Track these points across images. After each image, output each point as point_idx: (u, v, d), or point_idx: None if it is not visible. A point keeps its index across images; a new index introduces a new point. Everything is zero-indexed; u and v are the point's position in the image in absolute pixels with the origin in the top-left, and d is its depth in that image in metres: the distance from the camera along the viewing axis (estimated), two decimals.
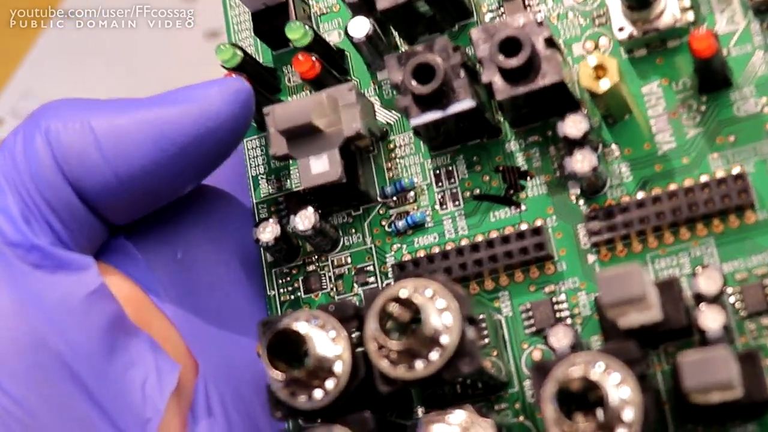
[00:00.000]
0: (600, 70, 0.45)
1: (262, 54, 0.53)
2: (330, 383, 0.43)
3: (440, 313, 0.42)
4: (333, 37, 0.52)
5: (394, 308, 0.42)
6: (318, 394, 0.43)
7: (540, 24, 0.46)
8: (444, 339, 0.42)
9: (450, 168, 0.49)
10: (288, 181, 0.51)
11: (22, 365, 0.43)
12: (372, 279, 0.49)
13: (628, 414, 0.40)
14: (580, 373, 0.40)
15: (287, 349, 0.43)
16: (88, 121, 0.46)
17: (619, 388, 0.40)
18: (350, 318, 0.44)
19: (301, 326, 0.43)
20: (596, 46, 0.48)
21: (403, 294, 0.42)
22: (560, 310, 0.47)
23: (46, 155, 0.46)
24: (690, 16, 0.47)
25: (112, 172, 0.45)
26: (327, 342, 0.43)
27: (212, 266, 0.50)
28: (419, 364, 0.42)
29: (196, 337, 0.48)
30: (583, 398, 0.41)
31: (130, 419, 0.45)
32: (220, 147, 0.47)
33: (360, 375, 0.43)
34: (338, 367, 0.43)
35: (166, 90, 0.48)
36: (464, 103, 0.46)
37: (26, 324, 0.43)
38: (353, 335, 0.44)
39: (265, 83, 0.51)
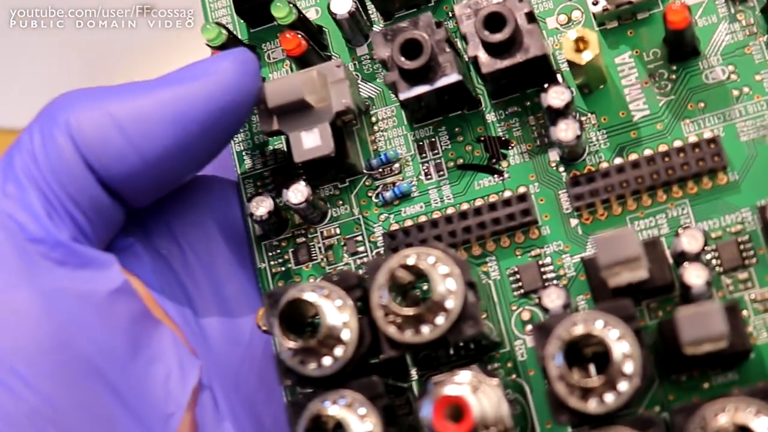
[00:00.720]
0: (581, 42, 0.47)
1: (240, 31, 0.54)
2: (339, 350, 0.45)
3: (444, 278, 0.44)
4: (311, 14, 0.53)
5: (403, 275, 0.44)
6: (327, 361, 0.45)
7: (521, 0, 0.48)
8: (449, 303, 0.44)
9: (433, 139, 0.51)
10: (273, 155, 0.53)
11: (49, 364, 0.43)
12: (362, 248, 0.51)
13: (629, 367, 0.42)
14: (584, 330, 0.42)
15: (296, 319, 0.45)
16: (106, 108, 0.46)
17: (619, 343, 0.43)
18: (354, 287, 0.45)
19: (311, 296, 0.45)
20: (569, 20, 0.51)
21: (411, 261, 0.44)
22: (546, 273, 0.49)
23: (70, 149, 0.46)
24: None
25: (137, 155, 0.46)
26: (334, 311, 0.45)
27: (204, 255, 0.51)
28: (425, 329, 0.44)
29: (195, 334, 0.49)
30: (581, 357, 0.44)
31: (153, 414, 0.46)
32: (237, 119, 0.48)
33: (366, 342, 0.45)
34: (346, 335, 0.45)
35: None
36: (451, 77, 0.48)
37: (52, 323, 0.44)
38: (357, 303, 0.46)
39: None
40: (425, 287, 0.46)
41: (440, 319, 0.44)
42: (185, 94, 0.47)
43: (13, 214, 0.45)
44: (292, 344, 0.44)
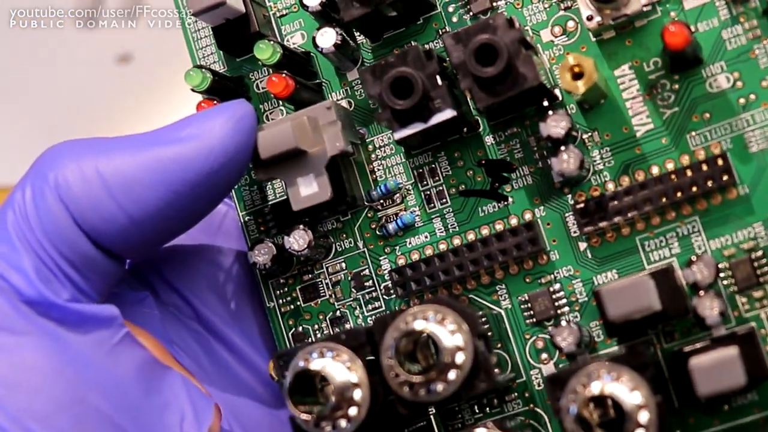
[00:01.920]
0: (576, 67, 0.45)
1: (225, 63, 0.52)
2: (353, 411, 0.44)
3: (452, 334, 0.44)
4: (296, 39, 0.51)
5: (408, 344, 0.44)
6: (343, 423, 0.44)
7: (512, 25, 0.46)
8: (458, 359, 0.43)
9: (433, 166, 0.50)
10: (272, 190, 0.51)
11: (66, 422, 0.43)
12: (369, 283, 0.50)
13: (644, 416, 0.42)
14: (598, 390, 0.42)
15: (307, 384, 0.45)
16: (95, 168, 0.45)
17: (632, 393, 0.42)
18: (363, 345, 0.45)
19: (317, 363, 0.44)
20: (564, 31, 0.49)
21: (418, 326, 0.43)
22: (558, 299, 0.48)
23: (60, 211, 0.45)
24: None
25: (127, 217, 0.45)
26: (344, 371, 0.44)
27: (212, 304, 0.51)
28: (439, 387, 0.43)
29: (213, 381, 0.49)
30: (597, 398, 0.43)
31: None
32: (231, 179, 0.46)
33: (380, 399, 0.45)
34: (358, 395, 0.44)
35: None
36: (445, 113, 0.46)
37: (63, 380, 0.44)
38: (367, 360, 0.45)
39: (234, 95, 0.51)
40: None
41: (452, 375, 0.43)
42: (177, 155, 0.45)
43: (6, 275, 0.45)
44: (306, 417, 0.44)
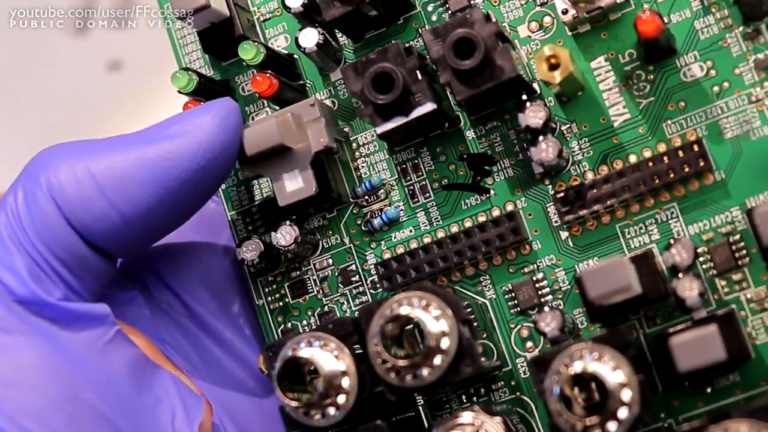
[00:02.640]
0: (552, 58, 0.47)
1: (211, 67, 0.53)
2: (341, 398, 0.45)
3: (437, 320, 0.44)
4: (280, 42, 0.53)
5: (393, 329, 0.44)
6: (331, 410, 0.45)
7: (488, 19, 0.47)
8: (444, 344, 0.44)
9: (416, 161, 0.51)
10: (259, 189, 0.52)
11: (59, 419, 0.44)
12: (356, 278, 0.51)
13: (627, 395, 0.43)
14: (580, 368, 0.43)
15: (295, 372, 0.46)
16: (87, 168, 0.46)
17: (615, 373, 0.43)
18: (350, 334, 0.46)
19: (306, 352, 0.45)
20: (540, 26, 0.50)
21: (402, 311, 0.44)
22: (541, 288, 0.49)
23: (52, 211, 0.46)
24: None
25: (119, 215, 0.46)
26: (332, 360, 0.45)
27: (203, 301, 0.51)
28: (425, 372, 0.44)
29: (204, 378, 0.50)
30: (580, 380, 0.44)
31: None
32: (219, 174, 0.47)
33: (367, 386, 0.45)
34: (346, 383, 0.45)
35: None
36: (426, 107, 0.47)
37: (57, 378, 0.44)
38: (355, 349, 0.46)
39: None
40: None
41: (438, 360, 0.44)
42: (166, 153, 0.46)
43: (1, 277, 0.46)
44: (294, 403, 0.45)
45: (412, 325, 0.46)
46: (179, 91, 0.50)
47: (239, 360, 0.51)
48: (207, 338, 0.51)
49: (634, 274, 0.44)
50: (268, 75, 0.49)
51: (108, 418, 0.45)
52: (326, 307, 0.51)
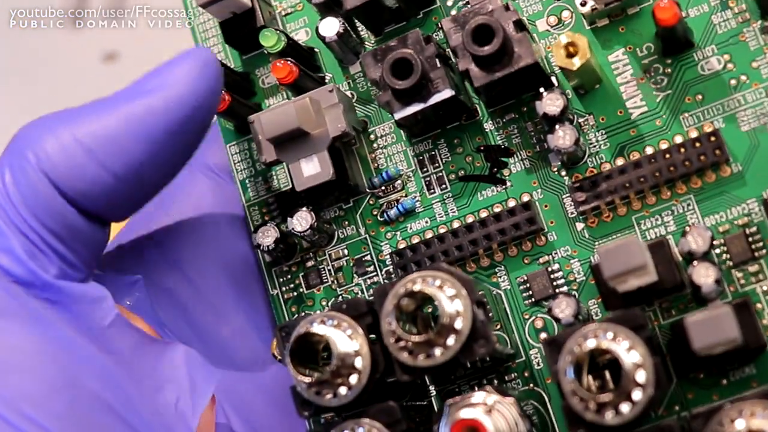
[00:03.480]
0: (571, 47, 0.47)
1: (232, 59, 0.54)
2: (353, 378, 0.45)
3: (451, 300, 0.44)
4: (301, 36, 0.53)
5: (409, 304, 0.44)
6: (343, 390, 0.45)
7: (507, 8, 0.47)
8: (458, 324, 0.44)
9: (432, 153, 0.51)
10: (275, 180, 0.53)
11: (58, 404, 0.43)
12: (371, 268, 0.51)
13: (641, 376, 0.42)
14: (594, 345, 0.42)
15: (308, 351, 0.45)
16: (72, 135, 0.45)
17: (630, 353, 0.43)
18: (364, 314, 0.45)
19: (319, 329, 0.45)
20: (559, 20, 0.50)
21: (416, 287, 0.44)
22: (556, 279, 0.49)
23: (43, 184, 0.45)
24: None
25: (111, 175, 0.45)
26: (345, 340, 0.45)
27: (212, 285, 0.51)
28: (437, 351, 0.44)
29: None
30: (596, 364, 0.44)
31: None
32: (204, 120, 0.47)
33: (380, 367, 0.45)
34: (359, 363, 0.45)
35: None
36: (444, 93, 0.48)
37: (56, 363, 0.44)
38: (369, 332, 0.46)
39: (241, 89, 0.52)
40: (435, 305, 0.46)
41: (451, 341, 0.44)
42: (149, 107, 0.46)
43: None
44: (306, 379, 0.44)
45: (425, 309, 0.46)
46: None
47: (246, 344, 0.51)
48: (212, 321, 0.51)
49: (650, 255, 0.44)
50: (288, 62, 0.49)
51: (107, 402, 0.45)
52: (341, 297, 0.51)
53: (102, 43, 0.87)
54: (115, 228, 0.50)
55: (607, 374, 0.44)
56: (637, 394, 0.42)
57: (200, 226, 0.52)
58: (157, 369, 0.47)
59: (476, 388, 0.45)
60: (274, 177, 0.53)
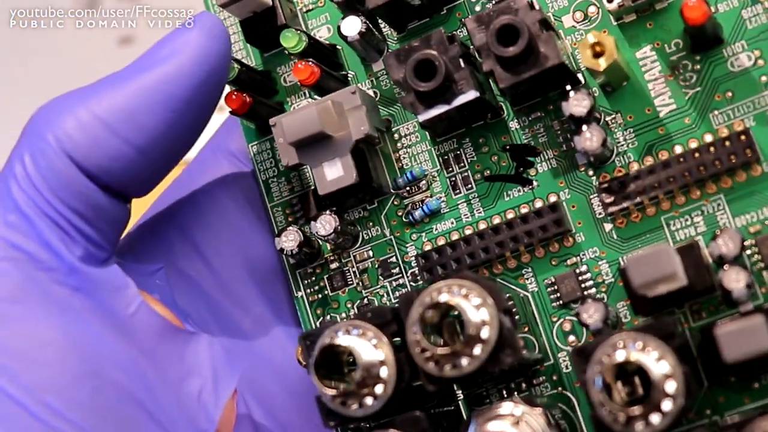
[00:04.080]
0: (597, 46, 0.46)
1: (253, 57, 0.53)
2: (379, 388, 0.44)
3: (477, 309, 0.44)
4: (323, 33, 0.52)
5: (434, 315, 0.44)
6: (369, 400, 0.44)
7: (532, 6, 0.46)
8: (484, 333, 0.43)
9: (458, 152, 0.50)
10: (299, 181, 0.52)
11: (82, 394, 0.44)
12: (396, 270, 0.50)
13: (671, 386, 0.42)
14: (623, 357, 0.42)
15: (333, 360, 0.45)
16: (90, 112, 0.46)
17: (659, 363, 0.42)
18: (388, 323, 0.45)
19: (344, 339, 0.44)
20: (585, 16, 0.49)
21: (441, 298, 0.43)
22: (584, 281, 0.48)
23: (65, 164, 0.45)
24: None
25: (133, 148, 0.46)
26: (370, 349, 0.44)
27: (234, 275, 0.51)
28: (464, 361, 0.43)
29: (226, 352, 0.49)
30: (625, 371, 0.43)
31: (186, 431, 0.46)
32: (218, 85, 0.47)
33: (406, 377, 0.45)
34: (384, 372, 0.44)
35: None
36: (468, 95, 0.47)
37: (79, 352, 0.44)
38: (394, 338, 0.45)
39: (262, 88, 0.52)
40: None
41: (478, 350, 0.43)
42: (164, 76, 0.46)
43: (20, 244, 0.45)
44: (331, 391, 0.44)
45: (451, 317, 0.45)
46: None
47: (268, 334, 0.51)
48: (235, 310, 0.50)
49: (679, 262, 0.43)
50: (309, 63, 0.49)
51: (130, 392, 0.45)
52: (366, 299, 0.51)
53: (116, 28, 0.86)
54: (136, 213, 0.50)
55: (637, 380, 0.43)
56: (667, 405, 0.42)
57: (223, 211, 0.51)
58: (181, 359, 0.47)
59: (504, 398, 0.45)
60: (297, 177, 0.52)
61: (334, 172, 0.48)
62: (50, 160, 0.45)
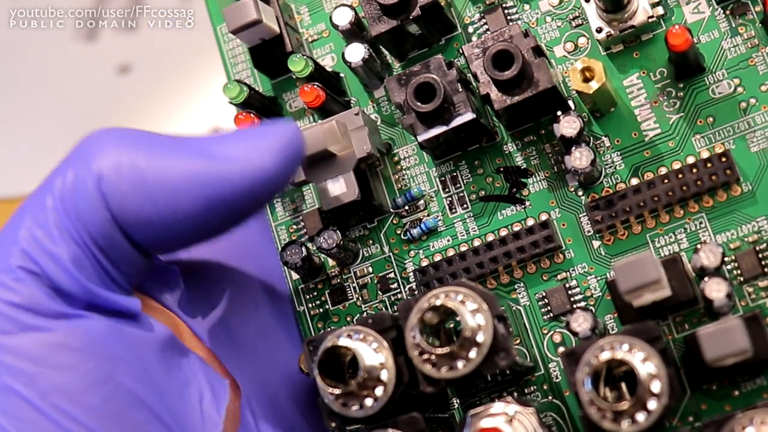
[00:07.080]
0: (587, 71, 0.49)
1: (261, 83, 0.56)
2: (379, 390, 0.47)
3: (473, 314, 0.46)
4: (327, 62, 0.55)
5: (432, 318, 0.46)
6: (369, 402, 0.47)
7: (526, 35, 0.49)
8: (480, 337, 0.46)
9: (454, 174, 0.53)
10: (302, 202, 0.55)
11: (96, 399, 0.45)
12: (395, 285, 0.53)
13: (656, 386, 0.44)
14: (610, 356, 0.44)
15: (335, 363, 0.47)
16: (139, 167, 0.46)
17: (645, 364, 0.44)
18: (388, 328, 0.47)
19: (346, 342, 0.47)
20: (576, 47, 0.52)
21: (439, 302, 0.46)
22: (573, 295, 0.51)
23: (99, 203, 0.45)
24: (660, 9, 0.51)
25: (162, 223, 0.46)
26: (371, 353, 0.47)
27: (240, 292, 0.53)
28: (460, 364, 0.46)
29: (232, 360, 0.51)
30: (613, 377, 0.46)
31: None
32: (271, 197, 0.47)
33: (404, 380, 0.47)
34: (384, 375, 0.47)
35: None
36: (465, 116, 0.50)
37: (92, 358, 0.45)
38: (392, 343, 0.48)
39: (269, 113, 0.54)
40: (457, 320, 0.48)
41: (473, 353, 0.46)
42: (221, 173, 0.46)
43: (41, 261, 0.46)
44: (334, 391, 0.46)
45: (448, 323, 0.48)
46: (230, 102, 0.53)
47: (274, 340, 0.53)
48: (241, 316, 0.52)
49: (663, 270, 0.46)
50: (315, 86, 0.52)
51: (141, 398, 0.46)
52: (365, 313, 0.53)
53: (116, 50, 0.86)
54: None
55: (624, 386, 0.46)
56: (652, 404, 0.44)
57: (232, 240, 0.53)
58: (182, 368, 0.48)
59: (497, 399, 0.47)
60: (301, 196, 0.55)
61: (337, 189, 0.51)
62: (88, 193, 0.46)
